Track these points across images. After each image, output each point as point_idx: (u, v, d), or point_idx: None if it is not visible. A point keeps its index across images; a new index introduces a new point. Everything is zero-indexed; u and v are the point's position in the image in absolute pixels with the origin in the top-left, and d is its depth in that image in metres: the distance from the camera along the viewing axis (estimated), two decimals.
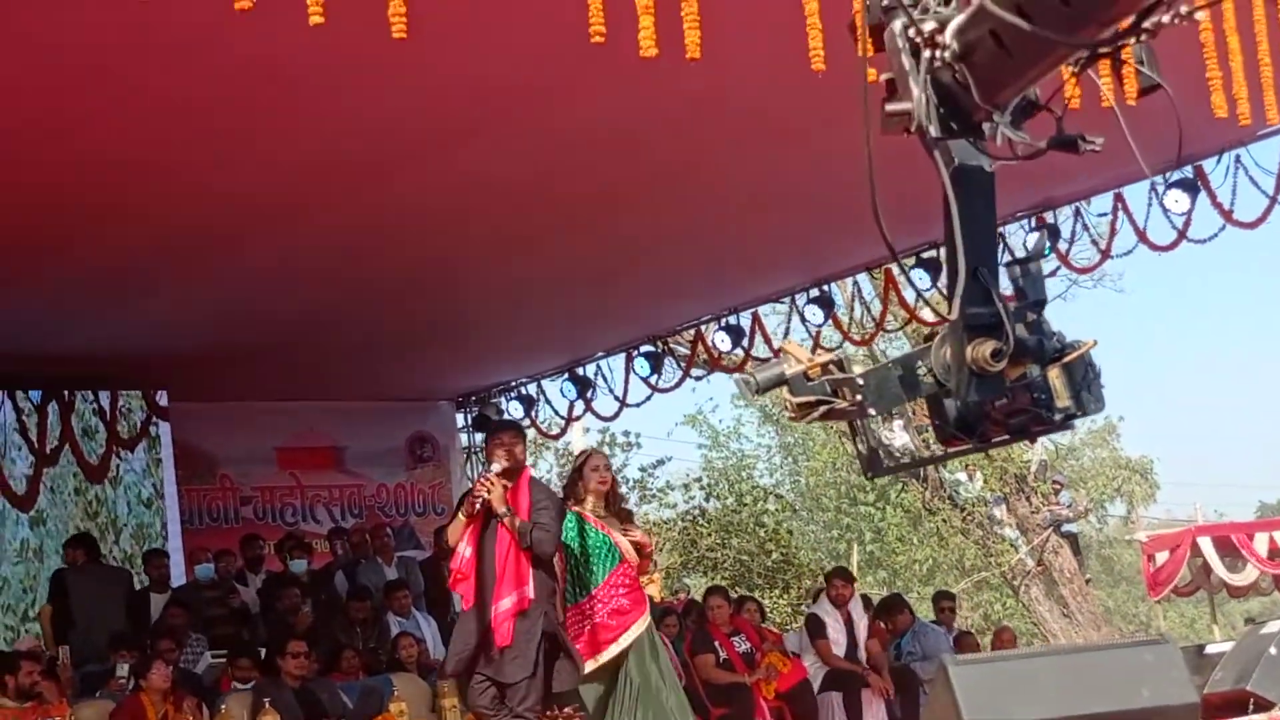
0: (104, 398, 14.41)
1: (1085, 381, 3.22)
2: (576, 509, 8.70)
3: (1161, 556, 19.02)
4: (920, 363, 3.18)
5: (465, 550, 8.34)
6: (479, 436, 17.18)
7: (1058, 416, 3.18)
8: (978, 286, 3.11)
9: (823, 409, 3.18)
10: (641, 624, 8.60)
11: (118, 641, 11.35)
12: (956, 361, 3.08)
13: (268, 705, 9.80)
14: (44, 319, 11.83)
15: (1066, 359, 3.19)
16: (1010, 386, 3.12)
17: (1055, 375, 3.18)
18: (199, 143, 8.64)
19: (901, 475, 24.71)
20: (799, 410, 3.20)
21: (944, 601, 14.46)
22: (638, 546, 8.70)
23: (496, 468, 8.34)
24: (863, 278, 13.95)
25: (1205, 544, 18.30)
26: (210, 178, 9.19)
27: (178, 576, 13.77)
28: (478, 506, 8.29)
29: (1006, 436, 3.28)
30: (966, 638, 13.92)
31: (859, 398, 3.14)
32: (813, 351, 3.17)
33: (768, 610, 18.29)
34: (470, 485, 8.94)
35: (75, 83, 7.57)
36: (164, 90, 7.80)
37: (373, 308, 12.39)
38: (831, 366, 3.17)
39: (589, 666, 8.42)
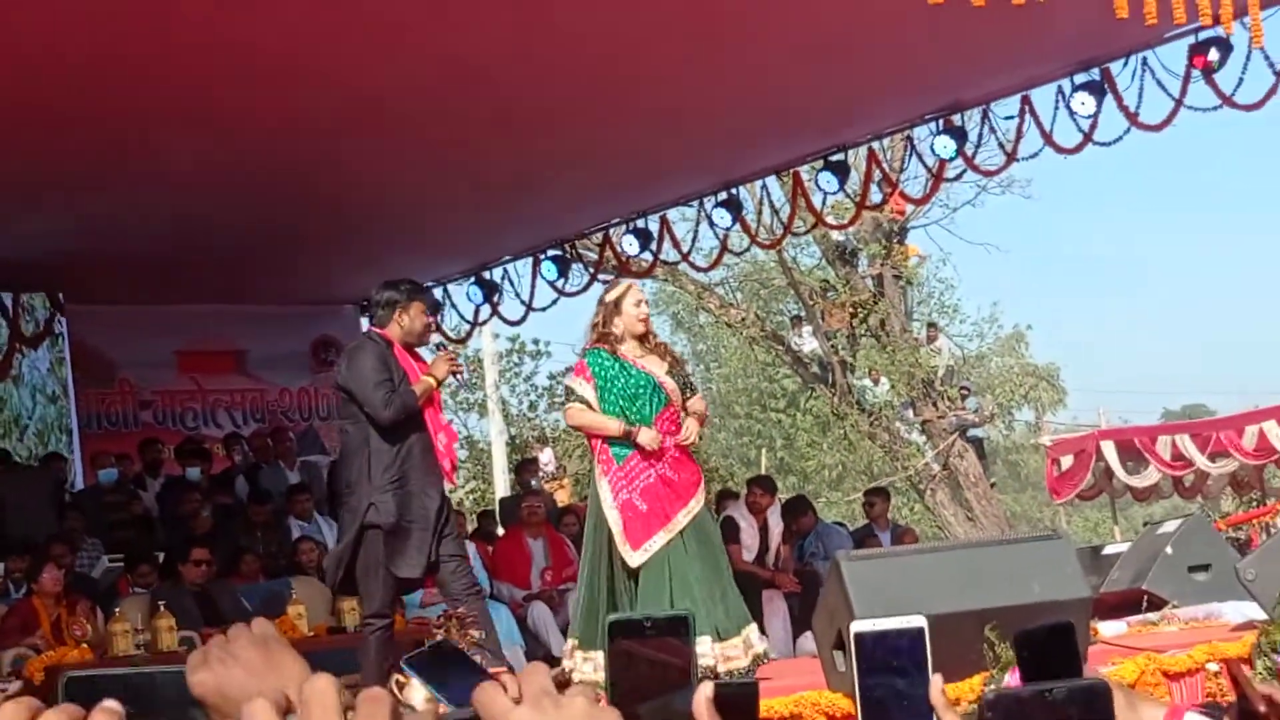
0: (7, 299, 14.03)
1: None
2: (610, 349, 7.61)
3: (1066, 461, 19.29)
4: None
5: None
6: None
7: None
8: None
9: None
10: (701, 489, 7.57)
11: (9, 547, 11.21)
12: None
13: (164, 609, 9.65)
14: None
15: None
16: None
17: None
18: (113, 47, 8.52)
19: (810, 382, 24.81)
20: None
21: (873, 497, 14.10)
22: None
23: None
24: (771, 181, 13.87)
25: (1108, 448, 18.59)
26: (112, 84, 9.05)
27: (77, 480, 13.62)
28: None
29: None
30: (908, 534, 14.00)
31: None
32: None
33: None
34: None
35: None
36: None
37: (273, 209, 12.15)
38: None
39: (661, 537, 7.30)
